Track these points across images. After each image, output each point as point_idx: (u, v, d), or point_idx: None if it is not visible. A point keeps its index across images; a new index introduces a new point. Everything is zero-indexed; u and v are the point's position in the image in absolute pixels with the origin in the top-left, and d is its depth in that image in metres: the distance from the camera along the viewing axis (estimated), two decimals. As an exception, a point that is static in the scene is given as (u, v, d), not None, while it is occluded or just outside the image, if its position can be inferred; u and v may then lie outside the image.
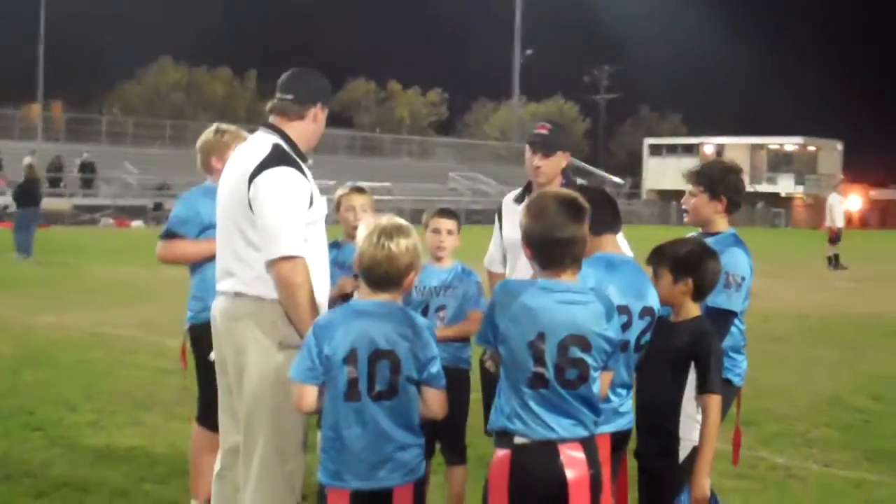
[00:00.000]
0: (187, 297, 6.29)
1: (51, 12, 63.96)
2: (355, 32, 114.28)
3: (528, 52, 78.98)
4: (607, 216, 4.87)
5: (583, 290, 4.22)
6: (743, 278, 5.45)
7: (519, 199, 6.28)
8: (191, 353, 6.25)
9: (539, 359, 4.10)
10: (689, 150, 77.08)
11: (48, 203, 36.96)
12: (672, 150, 78.30)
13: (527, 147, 6.18)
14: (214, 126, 6.43)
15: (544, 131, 6.17)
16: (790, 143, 75.67)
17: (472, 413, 6.18)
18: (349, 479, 4.32)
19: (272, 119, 5.08)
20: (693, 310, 5.01)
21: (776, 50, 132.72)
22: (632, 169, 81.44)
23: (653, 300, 4.86)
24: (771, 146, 75.86)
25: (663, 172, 73.76)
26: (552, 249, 4.20)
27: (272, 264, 4.76)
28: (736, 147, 74.69)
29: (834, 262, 28.13)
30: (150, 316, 15.51)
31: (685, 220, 5.88)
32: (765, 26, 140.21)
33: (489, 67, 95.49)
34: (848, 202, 29.00)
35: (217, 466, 5.24)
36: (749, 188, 66.32)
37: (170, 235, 6.22)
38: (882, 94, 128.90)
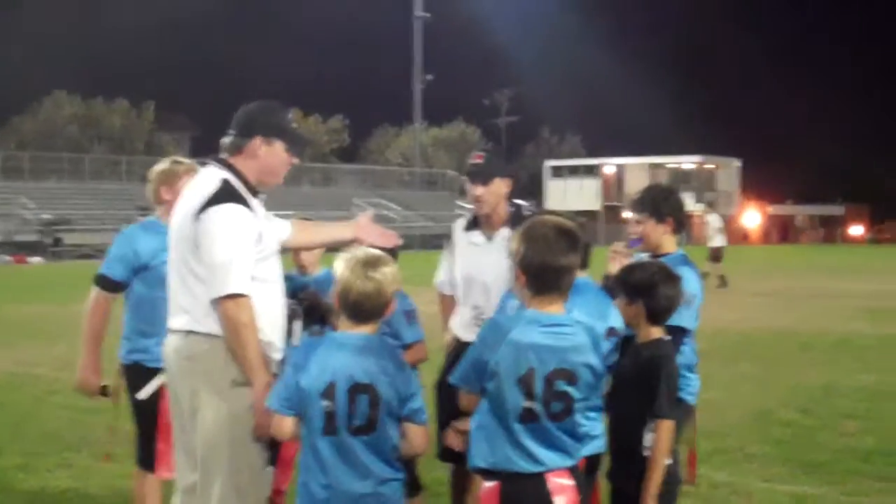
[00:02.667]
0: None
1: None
2: (253, 62, 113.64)
3: (429, 77, 79.14)
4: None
5: (570, 322, 4.21)
6: (694, 296, 5.51)
7: (469, 227, 6.25)
8: (124, 392, 6.09)
9: (529, 394, 4.08)
10: (590, 171, 78.20)
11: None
12: (573, 171, 79.25)
13: (466, 178, 6.16)
14: (170, 158, 6.33)
15: (479, 160, 6.16)
16: (688, 162, 77.06)
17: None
18: None
19: (223, 155, 4.98)
20: (652, 332, 5.01)
21: (673, 70, 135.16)
22: (533, 191, 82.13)
23: (615, 321, 4.90)
24: (669, 165, 77.14)
25: (564, 194, 74.59)
26: (550, 277, 4.20)
27: (217, 303, 4.66)
28: (636, 167, 75.88)
29: (720, 280, 28.07)
30: (67, 354, 15.03)
31: (638, 248, 5.93)
32: (660, 48, 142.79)
33: (390, 93, 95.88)
34: (744, 219, 29.24)
35: (175, 508, 5.10)
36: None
37: (106, 285, 6.02)
38: (779, 112, 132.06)
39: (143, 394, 5.90)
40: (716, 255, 29.02)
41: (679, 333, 5.40)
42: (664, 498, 4.75)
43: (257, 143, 4.90)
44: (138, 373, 5.96)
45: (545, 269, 4.19)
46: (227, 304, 4.63)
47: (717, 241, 29.49)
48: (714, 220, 30.19)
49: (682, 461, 5.08)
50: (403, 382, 4.28)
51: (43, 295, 26.43)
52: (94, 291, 5.96)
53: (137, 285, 5.91)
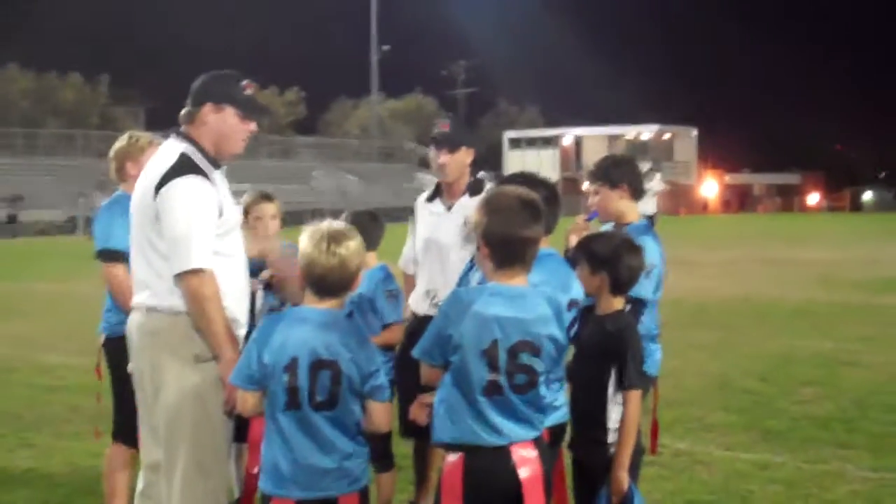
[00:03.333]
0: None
1: None
2: (208, 32, 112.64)
3: (385, 48, 78.88)
4: (550, 214, 4.87)
5: (533, 294, 4.19)
6: (653, 265, 5.51)
7: (430, 198, 6.27)
8: (105, 366, 6.03)
9: (493, 366, 4.06)
10: (549, 142, 78.21)
11: None
12: (531, 142, 79.24)
13: (430, 146, 6.16)
14: (127, 133, 6.24)
15: (446, 129, 6.19)
16: (646, 132, 77.21)
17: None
18: (293, 488, 4.23)
19: (183, 127, 4.94)
20: (614, 303, 5.02)
21: (629, 39, 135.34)
22: (492, 163, 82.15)
23: (577, 292, 4.90)
24: (628, 136, 77.26)
25: (523, 165, 74.55)
26: (513, 248, 4.17)
27: (179, 278, 4.63)
28: (594, 138, 75.98)
29: None
30: (24, 332, 15.02)
31: (596, 220, 5.92)
32: (616, 16, 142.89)
33: (347, 65, 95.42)
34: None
35: (140, 485, 5.07)
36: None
37: (113, 256, 5.84)
38: (733, 80, 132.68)
39: (131, 367, 5.82)
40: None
41: (638, 304, 5.42)
42: (630, 468, 4.77)
43: (207, 109, 4.87)
44: (122, 345, 5.85)
45: (508, 240, 4.16)
46: (190, 279, 4.60)
47: (650, 206, 28.73)
48: (654, 184, 29.78)
49: (644, 431, 5.10)
50: (366, 359, 4.26)
51: (-1, 272, 26.20)
52: (111, 268, 5.82)
53: None
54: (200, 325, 4.66)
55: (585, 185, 5.99)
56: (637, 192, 5.87)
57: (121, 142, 6.13)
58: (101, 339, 6.06)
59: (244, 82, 4.99)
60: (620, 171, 5.83)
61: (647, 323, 5.62)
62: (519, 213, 4.17)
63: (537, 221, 4.21)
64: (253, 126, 5.00)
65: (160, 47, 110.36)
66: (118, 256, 5.71)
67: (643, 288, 5.40)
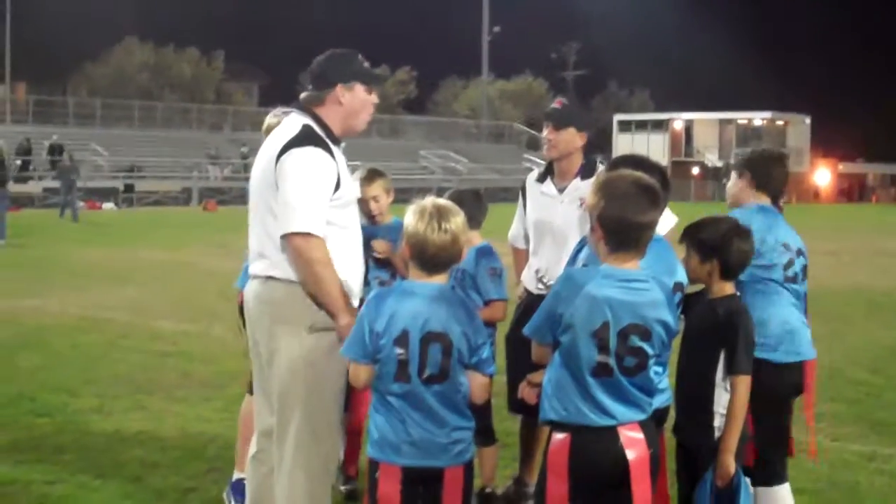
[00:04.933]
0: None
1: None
2: (320, 11, 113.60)
3: (496, 29, 78.58)
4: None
5: (644, 278, 4.18)
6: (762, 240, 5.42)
7: (541, 179, 6.27)
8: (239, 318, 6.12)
9: (604, 348, 4.07)
10: (659, 125, 77.42)
11: (18, 187, 36.86)
12: (641, 126, 78.56)
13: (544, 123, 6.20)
14: (278, 109, 6.27)
15: (558, 105, 6.23)
16: (758, 118, 76.04)
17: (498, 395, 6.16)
18: (401, 456, 4.29)
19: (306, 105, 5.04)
20: (725, 288, 4.99)
21: (743, 25, 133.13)
22: (601, 146, 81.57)
23: (682, 275, 4.88)
24: (740, 121, 76.15)
25: (632, 148, 73.85)
26: (629, 233, 4.16)
27: (286, 239, 4.71)
28: (705, 122, 75.09)
29: None
30: (137, 298, 15.42)
31: (728, 202, 5.86)
32: (730, 3, 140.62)
33: (457, 45, 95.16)
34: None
35: (252, 449, 5.21)
36: (719, 163, 66.04)
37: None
38: (848, 69, 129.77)
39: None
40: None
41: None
42: (736, 455, 4.74)
43: (339, 90, 4.98)
44: None
45: (624, 225, 4.15)
46: (296, 239, 4.67)
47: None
48: None
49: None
50: (475, 331, 4.32)
51: (111, 240, 26.86)
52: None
53: None
54: (312, 288, 4.73)
55: (732, 175, 5.92)
56: (774, 199, 5.76)
57: (269, 118, 6.11)
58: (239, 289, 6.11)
59: (360, 56, 5.10)
60: (771, 178, 5.74)
61: (767, 309, 5.46)
62: (636, 198, 4.16)
63: (654, 207, 4.20)
64: (375, 97, 5.10)
65: (274, 24, 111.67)
66: None
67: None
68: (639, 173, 4.34)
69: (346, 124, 5.04)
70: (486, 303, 6.11)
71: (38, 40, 75.58)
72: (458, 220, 4.37)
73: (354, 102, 5.02)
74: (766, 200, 5.69)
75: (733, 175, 5.84)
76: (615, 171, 4.57)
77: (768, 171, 5.77)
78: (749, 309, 5.00)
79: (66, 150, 43.63)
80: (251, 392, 6.02)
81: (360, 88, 5.02)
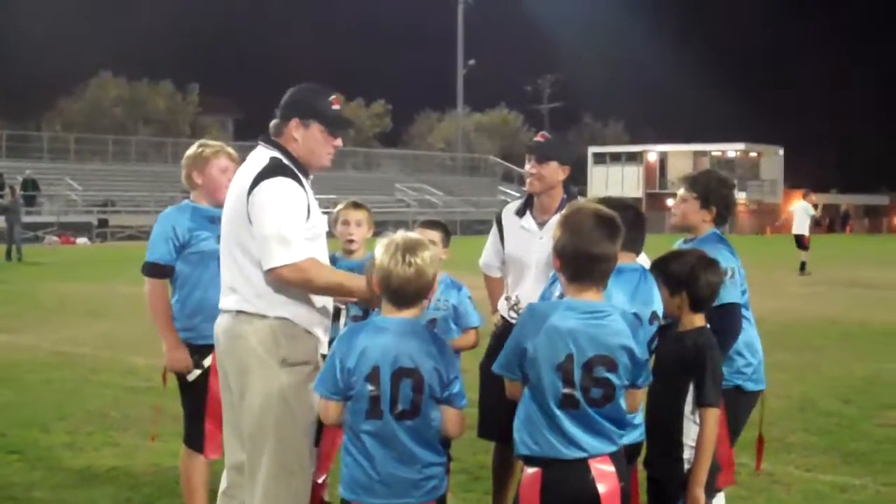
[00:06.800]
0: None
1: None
2: (297, 46, 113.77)
3: (471, 62, 78.99)
4: (636, 236, 4.92)
5: (606, 309, 4.20)
6: (732, 269, 5.51)
7: (520, 213, 6.26)
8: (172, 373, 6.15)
9: (568, 380, 4.08)
10: (633, 158, 77.78)
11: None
12: (616, 158, 78.84)
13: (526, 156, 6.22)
14: (198, 142, 6.34)
15: (541, 139, 6.23)
16: (732, 150, 76.48)
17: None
18: (372, 495, 4.29)
19: (272, 137, 5.03)
20: (695, 320, 5.02)
21: (716, 57, 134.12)
22: (576, 178, 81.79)
23: (659, 305, 4.90)
24: (714, 153, 76.53)
25: (607, 180, 74.25)
26: (583, 264, 4.19)
27: (272, 273, 4.69)
28: (679, 154, 75.39)
29: (801, 267, 28.68)
30: (110, 333, 15.35)
31: (672, 221, 5.95)
32: (703, 35, 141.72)
33: (432, 78, 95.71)
34: (813, 210, 29.32)
35: (223, 485, 5.18)
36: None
37: (155, 272, 5.98)
38: (820, 101, 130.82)
39: (192, 376, 5.96)
40: (801, 243, 29.53)
41: (732, 309, 5.42)
42: (706, 486, 4.76)
43: (293, 125, 4.93)
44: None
45: (579, 255, 4.18)
46: (283, 271, 4.66)
47: (804, 228, 29.74)
48: (800, 208, 30.27)
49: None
50: (446, 366, 4.31)
51: (85, 274, 26.72)
52: (148, 283, 5.98)
53: (179, 265, 5.93)
54: (325, 293, 4.84)
55: (680, 191, 5.99)
56: (721, 219, 5.88)
57: (190, 150, 6.21)
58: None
59: (332, 97, 5.00)
60: (717, 196, 5.86)
61: (749, 332, 5.60)
62: (592, 230, 4.19)
63: (610, 239, 4.21)
64: (338, 142, 5.03)
65: (249, 58, 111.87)
66: (154, 271, 5.94)
67: (729, 293, 5.40)
68: (600, 206, 4.37)
69: (307, 159, 4.98)
70: (465, 330, 6.17)
71: (12, 75, 75.42)
72: (426, 254, 4.37)
73: (309, 142, 4.95)
74: (710, 219, 5.83)
75: (694, 200, 5.86)
76: (577, 204, 4.62)
77: (731, 211, 5.91)
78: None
79: (7, 185, 40.97)
80: (190, 444, 6.05)
81: (316, 128, 4.94)
